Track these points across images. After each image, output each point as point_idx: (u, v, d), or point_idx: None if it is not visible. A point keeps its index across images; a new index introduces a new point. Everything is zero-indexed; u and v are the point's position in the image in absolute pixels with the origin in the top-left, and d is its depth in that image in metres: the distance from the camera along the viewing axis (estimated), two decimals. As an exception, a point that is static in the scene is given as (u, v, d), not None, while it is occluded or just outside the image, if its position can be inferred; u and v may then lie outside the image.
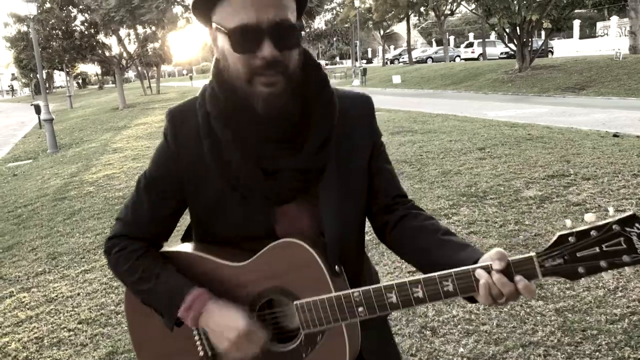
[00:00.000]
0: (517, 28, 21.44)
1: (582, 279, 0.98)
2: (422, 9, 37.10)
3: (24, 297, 4.37)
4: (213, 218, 1.18)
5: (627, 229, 0.93)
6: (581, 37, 42.04)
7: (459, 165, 7.00)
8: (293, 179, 1.10)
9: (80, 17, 25.76)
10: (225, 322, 1.08)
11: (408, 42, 42.67)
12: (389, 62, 49.94)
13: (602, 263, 0.95)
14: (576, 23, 40.32)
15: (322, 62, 57.39)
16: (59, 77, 76.26)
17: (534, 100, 16.33)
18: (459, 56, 42.57)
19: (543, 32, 30.89)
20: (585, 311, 3.13)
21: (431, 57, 44.33)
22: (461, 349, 2.92)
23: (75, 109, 31.89)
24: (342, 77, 42.00)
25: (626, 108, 12.66)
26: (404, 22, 43.05)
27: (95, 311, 3.92)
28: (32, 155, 13.82)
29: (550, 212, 4.82)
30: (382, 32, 51.29)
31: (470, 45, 42.39)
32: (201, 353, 1.17)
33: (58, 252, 5.42)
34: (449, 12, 39.71)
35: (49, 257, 5.29)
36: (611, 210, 1.04)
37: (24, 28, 27.97)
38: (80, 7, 25.04)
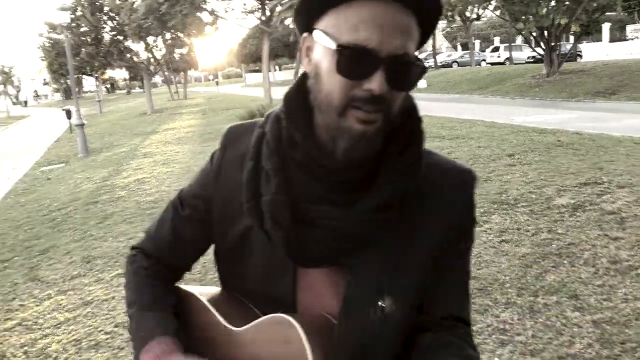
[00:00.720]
0: (545, 32, 21.17)
1: None
2: (447, 13, 36.87)
3: (62, 299, 4.48)
4: (235, 260, 0.99)
5: None
6: (611, 41, 41.28)
7: (488, 172, 6.95)
8: (326, 238, 0.84)
9: (109, 24, 26.28)
10: None
11: (433, 46, 42.49)
12: (413, 67, 49.60)
13: None
14: (605, 26, 39.59)
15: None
16: (88, 82, 77.80)
17: (562, 106, 16.09)
18: (485, 60, 42.22)
19: (572, 36, 30.47)
20: (623, 323, 3.09)
21: (457, 62, 44.05)
22: (496, 359, 2.91)
23: (105, 114, 32.50)
24: (366, 81, 41.91)
25: (660, 114, 12.40)
26: (429, 27, 42.76)
27: (130, 315, 3.99)
28: (64, 159, 14.13)
29: (584, 221, 4.76)
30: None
31: (497, 49, 42.00)
32: None
33: (92, 255, 5.54)
34: (475, 17, 39.42)
35: (84, 260, 5.41)
36: None
37: (57, 36, 28.66)
38: (110, 14, 25.60)
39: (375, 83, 0.78)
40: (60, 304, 4.39)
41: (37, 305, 4.43)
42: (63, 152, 15.74)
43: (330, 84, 0.81)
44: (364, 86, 0.78)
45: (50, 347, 3.66)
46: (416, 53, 0.83)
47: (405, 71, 0.80)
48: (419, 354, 0.89)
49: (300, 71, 0.91)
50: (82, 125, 14.29)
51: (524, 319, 3.27)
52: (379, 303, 0.87)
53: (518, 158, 7.61)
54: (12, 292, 4.81)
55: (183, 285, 1.09)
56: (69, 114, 19.04)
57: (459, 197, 0.92)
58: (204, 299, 1.01)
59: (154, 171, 9.91)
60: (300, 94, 0.88)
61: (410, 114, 0.91)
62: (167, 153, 12.10)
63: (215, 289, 1.07)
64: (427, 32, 0.85)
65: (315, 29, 0.84)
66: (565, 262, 3.98)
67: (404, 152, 0.87)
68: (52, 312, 4.26)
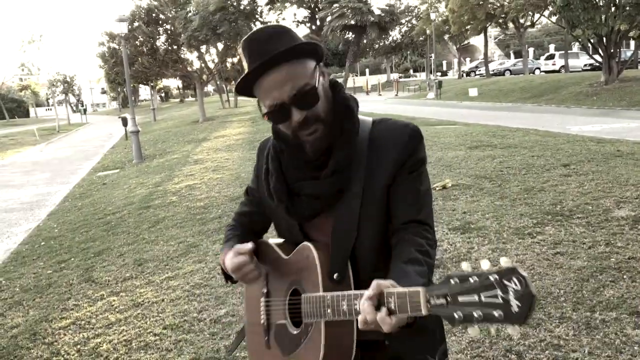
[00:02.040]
0: (604, 39, 20.41)
1: (463, 327, 0.93)
2: (500, 20, 36.11)
3: (114, 300, 4.60)
4: (275, 223, 1.52)
5: (505, 282, 0.87)
6: (675, 48, 39.37)
7: (542, 182, 6.73)
8: (309, 202, 1.33)
9: (164, 35, 27.10)
10: (227, 260, 1.39)
11: (485, 54, 41.71)
12: (464, 75, 48.97)
13: (477, 314, 0.90)
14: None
15: (395, 75, 57.14)
16: (144, 91, 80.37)
17: (622, 115, 15.46)
18: (539, 68, 41.10)
19: (632, 42, 29.22)
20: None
21: (509, 70, 43.09)
22: (550, 376, 2.78)
23: (158, 122, 33.47)
24: (416, 89, 41.56)
25: None
26: (481, 34, 42.13)
27: (179, 317, 4.06)
28: (119, 165, 14.62)
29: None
30: (458, 44, 50.43)
31: (551, 57, 40.79)
32: (262, 321, 1.48)
33: (144, 258, 5.68)
34: (529, 24, 38.47)
35: (136, 263, 5.55)
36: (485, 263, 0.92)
37: (115, 46, 29.75)
38: (165, 26, 26.41)
39: (296, 117, 1.24)
40: (112, 305, 4.51)
41: (91, 306, 4.57)
42: (118, 158, 16.29)
43: (281, 127, 1.31)
44: (293, 120, 1.25)
45: (102, 346, 3.76)
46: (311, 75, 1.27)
47: (307, 96, 1.24)
48: (395, 250, 1.28)
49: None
50: (137, 132, 14.75)
51: (580, 334, 3.12)
52: (355, 228, 1.31)
53: (574, 168, 7.33)
54: (68, 292, 4.99)
55: (263, 239, 1.57)
56: (124, 121, 19.70)
57: (399, 143, 1.32)
58: (271, 243, 1.49)
59: (204, 177, 10.11)
60: (276, 131, 1.37)
61: (340, 104, 1.34)
62: (217, 160, 12.32)
63: (278, 240, 1.53)
64: (310, 50, 1.29)
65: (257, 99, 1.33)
66: (625, 277, 3.78)
67: (342, 133, 1.31)
68: (105, 312, 4.38)
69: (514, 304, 0.86)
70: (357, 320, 1.12)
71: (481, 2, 35.45)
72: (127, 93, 17.29)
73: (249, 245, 1.39)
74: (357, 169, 1.31)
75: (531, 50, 51.11)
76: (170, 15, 24.75)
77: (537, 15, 35.30)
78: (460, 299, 0.92)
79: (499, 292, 0.87)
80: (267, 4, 21.10)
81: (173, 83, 79.61)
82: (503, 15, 35.98)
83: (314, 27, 19.28)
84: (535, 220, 5.26)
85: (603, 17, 19.66)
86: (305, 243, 1.34)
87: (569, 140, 10.08)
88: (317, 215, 1.35)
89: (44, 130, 36.40)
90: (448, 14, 38.28)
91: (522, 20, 37.52)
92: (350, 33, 17.79)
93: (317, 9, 17.99)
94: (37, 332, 4.17)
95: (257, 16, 21.25)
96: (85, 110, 51.45)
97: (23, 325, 4.35)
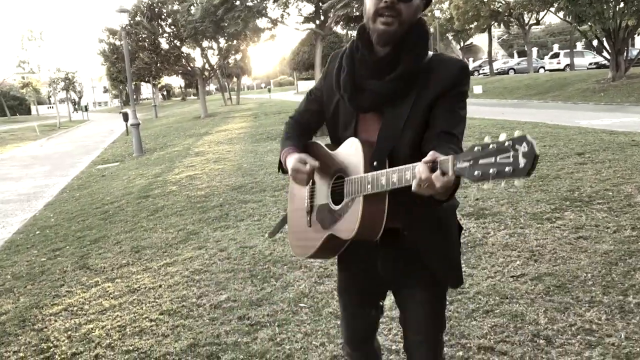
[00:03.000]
0: (612, 34, 20.11)
1: (480, 183, 1.14)
2: (505, 18, 35.80)
3: (109, 286, 4.35)
4: (331, 120, 1.74)
5: (517, 146, 1.08)
6: (680, 47, 39.08)
7: (556, 169, 6.46)
8: (370, 96, 1.57)
9: (167, 30, 26.86)
10: (291, 160, 1.69)
11: (489, 52, 41.40)
12: (468, 74, 48.54)
13: (492, 171, 1.11)
14: (675, 31, 37.50)
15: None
16: (146, 89, 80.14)
17: (631, 110, 15.15)
18: (543, 67, 40.73)
19: (638, 40, 28.91)
20: None
21: (513, 69, 42.71)
22: (584, 363, 2.52)
23: (160, 118, 33.25)
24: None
25: None
26: (485, 34, 41.84)
27: (176, 303, 3.81)
28: (119, 159, 14.37)
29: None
30: (462, 43, 50.15)
31: (556, 55, 40.43)
32: (306, 205, 1.80)
33: (141, 245, 5.42)
34: (535, 22, 38.15)
35: (133, 250, 5.30)
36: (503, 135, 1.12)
37: (116, 42, 29.52)
38: (168, 21, 26.16)
39: None
40: (107, 291, 4.25)
41: (84, 292, 4.31)
42: (119, 152, 16.04)
43: (368, 4, 1.52)
44: (382, 1, 1.47)
45: (93, 332, 3.50)
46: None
47: None
48: (427, 149, 1.35)
49: None
50: (137, 125, 14.51)
51: (613, 319, 2.86)
52: (399, 127, 1.55)
53: (589, 157, 7.06)
54: (61, 279, 4.73)
55: (314, 141, 1.87)
56: (126, 116, 19.48)
57: (450, 73, 1.54)
58: (320, 143, 1.80)
59: (205, 168, 9.85)
60: (361, 25, 1.61)
61: (419, 25, 1.55)
62: (218, 152, 12.07)
63: (326, 141, 1.79)
64: None
65: None
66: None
67: (414, 48, 1.53)
68: (99, 298, 4.12)
69: (522, 161, 1.07)
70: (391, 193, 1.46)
71: (484, 1, 35.16)
72: (128, 90, 17.02)
73: (315, 163, 1.65)
74: (414, 84, 1.53)
75: (535, 50, 50.80)
76: (173, 9, 24.50)
77: (542, 12, 34.99)
78: (481, 161, 1.14)
79: (511, 153, 1.09)
80: (274, 1, 20.84)
81: (175, 82, 79.48)
82: (507, 14, 35.71)
83: (317, 21, 19.03)
84: (553, 205, 4.99)
85: (611, 12, 19.36)
86: (354, 138, 1.59)
87: (581, 131, 9.80)
88: (373, 110, 1.60)
89: (45, 127, 36.20)
90: (452, 11, 37.95)
91: (526, 19, 37.21)
92: (355, 25, 17.47)
93: (321, 3, 17.74)
94: (27, 319, 3.91)
95: (263, 12, 20.95)
96: (86, 107, 51.17)
97: (12, 312, 4.09)
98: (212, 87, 72.60)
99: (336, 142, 1.70)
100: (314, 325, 3.23)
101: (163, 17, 25.95)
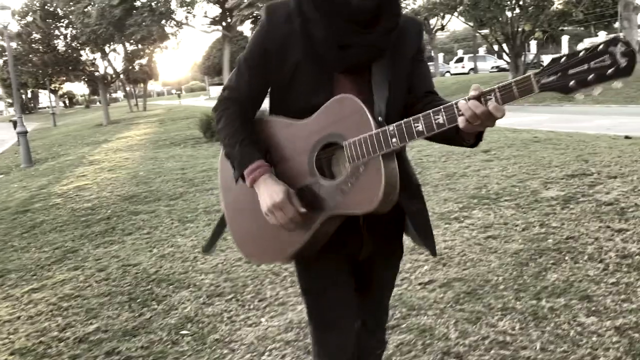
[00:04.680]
0: (510, 39, 21.05)
1: (574, 93, 1.11)
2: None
3: (-47, 321, 3.60)
4: (287, 87, 1.46)
5: (611, 48, 1.06)
6: (570, 52, 41.88)
7: (463, 167, 6.33)
8: (360, 52, 1.40)
9: (63, 31, 25.08)
10: (270, 192, 1.39)
11: (398, 57, 42.39)
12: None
13: (590, 77, 1.08)
14: (565, 39, 40.24)
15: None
16: (45, 97, 75.09)
17: (531, 110, 15.77)
18: (449, 72, 42.27)
19: (534, 46, 30.64)
20: (654, 331, 2.43)
21: (421, 73, 43.97)
22: (499, 383, 2.20)
23: (59, 127, 31.03)
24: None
25: (628, 115, 12.15)
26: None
27: (33, 339, 3.16)
28: (4, 171, 13.03)
29: (580, 213, 4.14)
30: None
31: (461, 60, 42.11)
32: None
33: (7, 269, 4.66)
34: (440, 27, 39.51)
35: (-5, 274, 4.53)
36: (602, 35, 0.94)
37: (3, 43, 27.21)
38: (65, 21, 24.42)
39: None
40: (-51, 327, 3.51)
41: None
42: (5, 164, 14.60)
43: None
44: None
45: None
46: None
47: None
48: (422, 108, 1.38)
49: None
50: (24, 133, 13.22)
51: (527, 327, 2.59)
52: (392, 81, 1.45)
53: (494, 154, 7.03)
54: None
55: (261, 116, 1.55)
56: (15, 124, 17.84)
57: (417, 30, 1.54)
58: (275, 117, 1.52)
59: (97, 178, 8.99)
60: None
61: None
62: (115, 160, 11.17)
63: (270, 116, 1.54)
64: None
65: None
66: (566, 258, 3.33)
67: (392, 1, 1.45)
68: (-64, 338, 3.38)
69: (622, 60, 1.06)
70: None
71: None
72: (14, 95, 15.55)
73: (303, 210, 1.39)
74: (390, 41, 1.43)
75: (441, 55, 52.71)
76: (70, 10, 22.85)
77: (447, 18, 36.27)
78: (570, 71, 1.11)
79: (607, 57, 1.07)
80: (178, 3, 19.97)
81: (79, 89, 75.34)
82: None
83: (224, 23, 18.39)
84: (461, 204, 4.78)
85: (509, 16, 20.24)
86: (342, 95, 1.36)
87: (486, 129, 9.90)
88: (356, 68, 1.42)
89: None
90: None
91: (432, 22, 38.42)
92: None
93: (226, 2, 17.14)
94: None
95: (170, 15, 19.98)
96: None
97: None
98: (119, 94, 69.36)
99: (294, 114, 1.44)
100: (195, 358, 2.73)
101: (59, 16, 24.19)
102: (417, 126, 1.27)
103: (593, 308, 2.68)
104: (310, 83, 1.43)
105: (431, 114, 1.25)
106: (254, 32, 1.52)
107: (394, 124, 1.30)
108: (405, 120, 1.29)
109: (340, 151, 1.38)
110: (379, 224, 1.49)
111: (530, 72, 1.14)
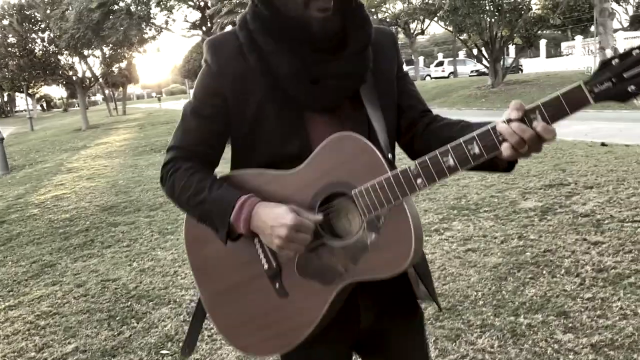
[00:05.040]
0: (489, 44, 21.30)
1: (635, 99, 0.96)
2: (392, 27, 36.99)
3: None
4: (250, 137, 1.22)
5: None
6: (547, 57, 42.59)
7: (444, 177, 6.39)
8: (337, 84, 1.18)
9: (41, 35, 24.74)
10: (273, 220, 1.11)
11: (378, 61, 42.60)
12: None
13: None
14: (542, 42, 40.84)
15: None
16: (22, 101, 73.88)
17: (509, 114, 15.97)
18: (429, 75, 42.60)
19: (513, 50, 31.04)
20: (629, 347, 2.48)
21: (402, 77, 44.23)
22: (478, 403, 2.23)
23: (36, 131, 30.56)
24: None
25: (604, 120, 12.36)
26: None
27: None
28: (-21, 178, 12.77)
29: (557, 225, 4.21)
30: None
31: (441, 64, 42.46)
32: (265, 266, 1.19)
33: (-18, 284, 4.57)
34: (420, 31, 39.80)
35: (-31, 291, 4.44)
36: None
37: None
38: (42, 25, 24.09)
39: None
40: None
41: None
42: (-20, 171, 14.31)
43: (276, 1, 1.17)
44: None
45: None
46: None
47: None
48: (428, 132, 1.27)
49: None
50: (1, 140, 12.97)
51: (505, 345, 2.62)
52: (385, 109, 1.25)
53: (474, 162, 7.10)
54: None
55: (234, 171, 1.26)
56: (-9, 129, 17.51)
57: (391, 44, 1.33)
58: (248, 171, 1.22)
59: (75, 187, 8.88)
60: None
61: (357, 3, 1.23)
62: (94, 167, 11.04)
63: (239, 171, 1.25)
64: None
65: None
66: (544, 272, 3.37)
67: (357, 13, 1.22)
68: None
69: None
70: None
71: (372, 10, 36.11)
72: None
73: (319, 217, 1.13)
74: (368, 60, 1.23)
75: (421, 58, 53.12)
76: (47, 14, 22.54)
77: (427, 22, 36.55)
78: (626, 74, 0.95)
79: None
80: (156, 5, 19.82)
81: (56, 92, 74.21)
82: (394, 23, 36.90)
83: (204, 27, 18.30)
84: (441, 215, 4.82)
85: (487, 22, 20.48)
86: (340, 134, 1.12)
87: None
88: (341, 101, 1.20)
89: None
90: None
91: (412, 26, 38.68)
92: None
93: (207, 8, 17.05)
94: None
95: (149, 19, 19.79)
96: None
97: None
98: (98, 97, 68.53)
99: (267, 164, 1.20)
100: (175, 379, 2.71)
101: (34, 21, 23.85)
102: (447, 161, 1.04)
103: (570, 325, 2.72)
104: (279, 127, 1.18)
105: (462, 144, 1.03)
106: (198, 76, 1.26)
107: (417, 162, 1.07)
108: (429, 155, 1.06)
109: (347, 202, 1.13)
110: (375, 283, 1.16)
111: (579, 82, 0.99)
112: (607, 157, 6.63)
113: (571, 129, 10.75)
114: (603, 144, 7.98)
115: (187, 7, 18.09)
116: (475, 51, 23.30)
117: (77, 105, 73.36)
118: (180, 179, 1.22)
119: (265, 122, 1.19)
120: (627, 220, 4.12)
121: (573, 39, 41.54)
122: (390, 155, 1.19)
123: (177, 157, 1.25)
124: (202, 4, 17.24)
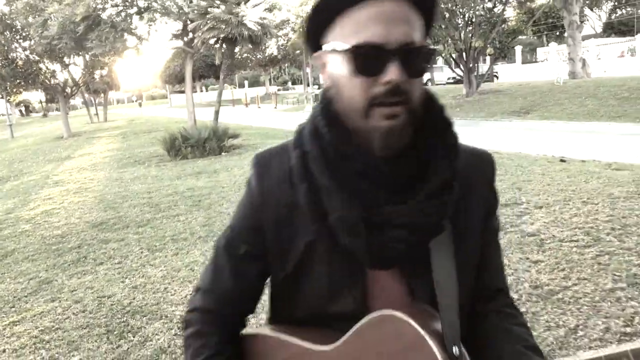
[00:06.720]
0: (464, 54, 22.01)
1: None
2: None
3: (-59, 357, 3.92)
4: (295, 283, 0.99)
5: None
6: (523, 62, 43.66)
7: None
8: (403, 234, 0.87)
9: (22, 43, 24.83)
10: None
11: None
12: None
13: None
14: (518, 49, 41.88)
15: (274, 88, 57.39)
16: (0, 106, 73.17)
17: (482, 125, 16.64)
18: (408, 81, 43.29)
19: (488, 58, 31.90)
20: (547, 354, 3.00)
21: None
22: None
23: (17, 139, 30.58)
24: (294, 102, 42.05)
25: (571, 131, 13.04)
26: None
27: (21, 372, 3.53)
28: (-35, 190, 13.00)
29: (506, 244, 4.73)
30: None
31: (419, 70, 43.18)
32: None
33: (-15, 300, 4.96)
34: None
35: (-26, 307, 4.82)
36: None
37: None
38: (23, 34, 24.19)
39: (392, 73, 0.82)
40: (-62, 363, 3.83)
41: None
42: (-35, 182, 14.51)
43: (350, 87, 0.87)
44: (381, 80, 0.83)
45: None
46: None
47: (416, 57, 0.85)
48: (492, 321, 1.00)
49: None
50: (-14, 152, 13.21)
51: None
52: (462, 277, 0.93)
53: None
54: None
55: (245, 331, 1.09)
56: (-27, 139, 17.66)
57: (487, 174, 1.01)
58: (278, 334, 0.99)
59: (64, 201, 9.24)
60: (327, 106, 0.92)
61: (431, 103, 0.94)
62: (80, 181, 11.38)
63: (269, 327, 1.07)
64: (428, 19, 0.90)
65: (323, 44, 0.92)
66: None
67: (442, 138, 0.92)
68: None
69: None
70: None
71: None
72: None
73: None
74: (449, 200, 0.91)
75: (401, 64, 53.79)
76: (28, 22, 22.68)
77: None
78: None
79: None
80: (136, 14, 20.12)
81: (35, 96, 73.54)
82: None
83: (185, 38, 18.69)
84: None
85: (462, 34, 21.19)
86: (381, 314, 0.86)
87: None
88: (404, 260, 0.90)
89: None
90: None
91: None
92: (224, 45, 17.40)
93: (188, 21, 17.46)
94: None
95: (131, 30, 20.09)
96: None
97: None
98: (77, 101, 68.11)
99: (301, 321, 1.00)
100: (169, 386, 3.16)
101: (15, 30, 23.95)
102: None
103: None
104: (330, 276, 0.95)
105: None
106: (239, 201, 1.05)
107: None
108: None
109: None
110: None
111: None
112: (560, 175, 7.22)
113: (536, 142, 11.39)
114: (562, 160, 8.57)
115: (169, 18, 18.44)
116: (453, 57, 24.02)
117: (56, 109, 72.83)
118: (193, 354, 1.02)
119: (313, 266, 0.96)
120: (566, 239, 4.68)
121: (547, 45, 42.61)
122: (456, 350, 0.84)
123: (204, 309, 1.06)
124: (184, 17, 17.62)
